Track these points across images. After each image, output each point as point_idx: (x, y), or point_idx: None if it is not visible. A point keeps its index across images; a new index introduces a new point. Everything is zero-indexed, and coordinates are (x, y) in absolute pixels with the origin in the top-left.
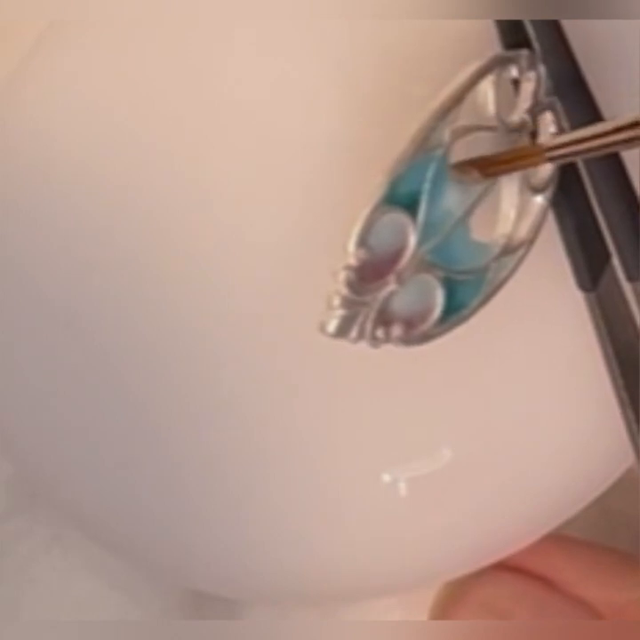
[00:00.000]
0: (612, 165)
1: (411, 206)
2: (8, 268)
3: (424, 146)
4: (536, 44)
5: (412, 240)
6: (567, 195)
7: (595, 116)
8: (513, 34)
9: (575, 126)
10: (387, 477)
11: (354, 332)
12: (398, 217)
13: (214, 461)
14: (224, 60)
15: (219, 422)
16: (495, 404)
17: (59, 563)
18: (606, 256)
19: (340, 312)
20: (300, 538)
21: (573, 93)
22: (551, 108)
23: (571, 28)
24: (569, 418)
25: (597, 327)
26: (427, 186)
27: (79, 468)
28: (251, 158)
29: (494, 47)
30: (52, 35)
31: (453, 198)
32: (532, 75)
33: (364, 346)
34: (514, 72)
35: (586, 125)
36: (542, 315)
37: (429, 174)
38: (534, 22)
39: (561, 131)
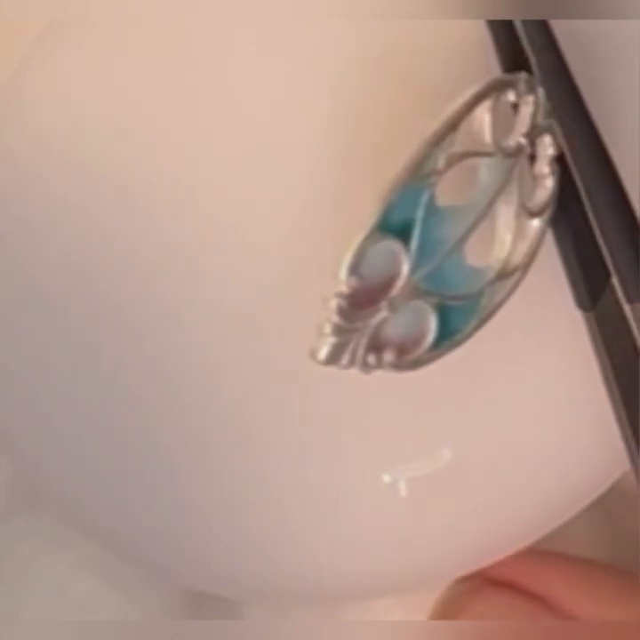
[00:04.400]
0: (611, 185)
1: (404, 234)
2: (8, 268)
3: (418, 173)
4: (534, 67)
5: (405, 268)
6: (565, 214)
7: (593, 133)
8: (509, 49)
9: (573, 146)
10: (387, 477)
11: (345, 360)
12: (391, 245)
13: (214, 461)
14: (224, 60)
15: (218, 423)
16: (495, 404)
17: (59, 563)
18: (606, 275)
19: (331, 339)
20: (300, 538)
21: (571, 112)
22: (549, 130)
23: (570, 28)
24: (569, 418)
25: (596, 346)
26: (420, 213)
27: (79, 468)
28: (251, 158)
29: (491, 62)
30: (52, 35)
31: (447, 225)
32: (530, 99)
33: None
34: (511, 96)
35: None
36: (541, 324)
37: (423, 201)
38: (530, 37)
39: (559, 152)
